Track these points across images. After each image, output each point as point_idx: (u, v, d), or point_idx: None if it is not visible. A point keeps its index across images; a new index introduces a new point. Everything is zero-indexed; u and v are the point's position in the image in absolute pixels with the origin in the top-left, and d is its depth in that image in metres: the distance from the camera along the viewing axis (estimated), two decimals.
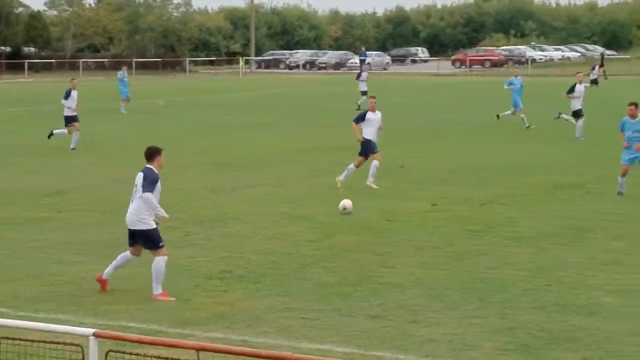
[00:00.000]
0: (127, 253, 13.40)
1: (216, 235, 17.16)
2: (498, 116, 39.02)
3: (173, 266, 14.74)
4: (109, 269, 13.44)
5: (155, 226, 13.12)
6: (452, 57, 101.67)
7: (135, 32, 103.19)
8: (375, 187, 22.25)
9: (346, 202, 19.11)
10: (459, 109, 47.49)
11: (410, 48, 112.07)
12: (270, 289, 13.35)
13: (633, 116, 20.99)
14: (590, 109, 36.81)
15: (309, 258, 15.32)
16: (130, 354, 7.71)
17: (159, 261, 13.05)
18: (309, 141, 33.15)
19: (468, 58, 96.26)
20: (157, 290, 13.00)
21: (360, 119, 22.77)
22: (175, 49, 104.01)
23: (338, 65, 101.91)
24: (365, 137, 22.57)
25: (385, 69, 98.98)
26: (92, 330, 7.71)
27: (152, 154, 13.30)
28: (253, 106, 51.33)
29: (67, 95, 31.54)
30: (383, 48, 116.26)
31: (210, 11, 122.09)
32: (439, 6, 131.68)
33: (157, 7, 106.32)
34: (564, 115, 35.14)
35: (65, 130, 31.32)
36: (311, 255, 15.55)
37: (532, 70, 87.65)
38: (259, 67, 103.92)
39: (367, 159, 22.66)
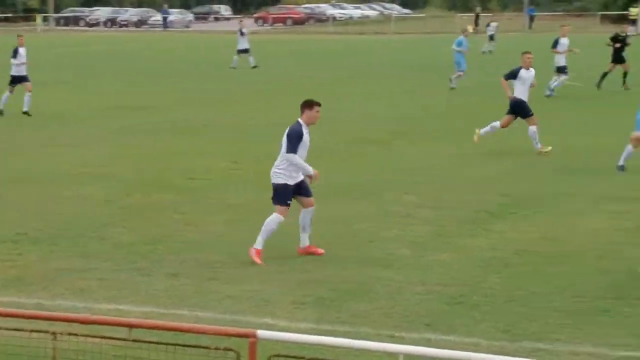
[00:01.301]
0: (302, 211, 12.84)
1: (10, 196, 16.63)
2: (451, 80, 35.54)
3: None
4: (303, 239, 12.91)
5: (284, 182, 12.60)
6: (255, 15, 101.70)
7: None
8: (548, 148, 20.66)
9: None
10: (263, 66, 47.54)
11: (213, 5, 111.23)
12: (67, 251, 13.09)
13: None
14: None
15: (108, 218, 15.10)
16: None
17: (273, 217, 12.62)
18: (109, 100, 32.49)
19: (271, 16, 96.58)
20: (258, 245, 12.58)
21: (512, 75, 20.86)
22: None
23: (140, 23, 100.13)
24: (518, 96, 20.85)
25: (188, 27, 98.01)
26: None
27: (301, 106, 12.83)
28: (51, 64, 49.79)
29: (15, 54, 29.26)
30: (186, 5, 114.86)
31: None
32: None
33: None
34: (559, 80, 32.25)
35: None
36: (110, 215, 15.33)
37: (334, 28, 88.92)
38: (58, 24, 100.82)
39: (515, 118, 21.07)
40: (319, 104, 12.83)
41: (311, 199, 12.90)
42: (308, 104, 12.79)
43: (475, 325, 10.05)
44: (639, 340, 9.52)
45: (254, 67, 45.52)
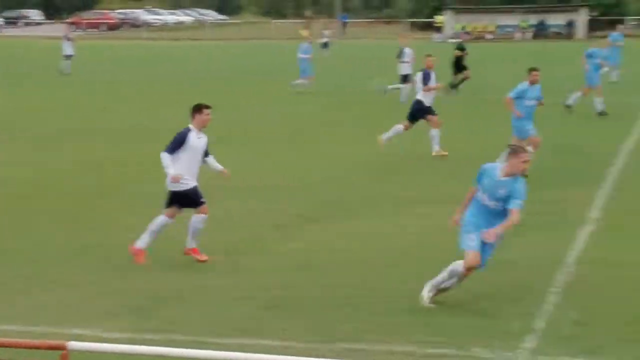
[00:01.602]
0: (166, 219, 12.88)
1: None
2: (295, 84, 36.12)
3: None
4: (143, 238, 12.80)
5: (191, 186, 12.53)
6: (68, 20, 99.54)
7: None
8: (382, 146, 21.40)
9: None
10: (85, 72, 46.61)
11: (23, 10, 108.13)
12: None
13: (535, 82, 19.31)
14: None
15: None
16: None
17: (198, 217, 12.81)
18: None
19: (84, 21, 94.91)
20: (190, 244, 12.79)
21: (427, 79, 21.31)
22: None
23: None
24: (426, 102, 21.38)
25: None
26: None
27: (191, 111, 12.55)
28: None
29: None
30: None
31: None
32: None
33: None
34: (390, 87, 33.13)
35: None
36: None
37: (147, 34, 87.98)
38: None
39: (435, 115, 21.42)
40: (208, 107, 12.75)
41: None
42: (197, 108, 12.70)
43: (289, 328, 10.18)
44: (444, 337, 9.86)
45: (67, 73, 45.08)
